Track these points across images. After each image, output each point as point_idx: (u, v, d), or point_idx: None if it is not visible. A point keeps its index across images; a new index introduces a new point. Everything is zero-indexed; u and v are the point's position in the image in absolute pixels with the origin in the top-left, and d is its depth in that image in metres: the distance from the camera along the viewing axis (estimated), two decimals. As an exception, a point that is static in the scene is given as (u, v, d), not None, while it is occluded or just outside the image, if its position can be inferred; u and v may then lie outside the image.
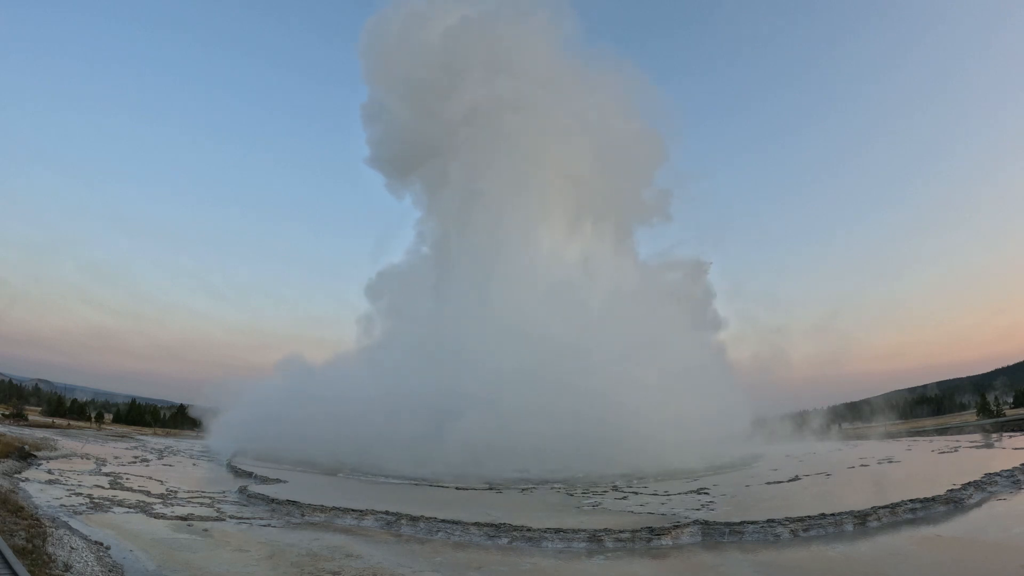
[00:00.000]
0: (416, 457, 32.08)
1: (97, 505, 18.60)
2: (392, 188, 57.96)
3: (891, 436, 53.14)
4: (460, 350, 37.34)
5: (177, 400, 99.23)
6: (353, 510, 18.18)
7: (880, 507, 15.95)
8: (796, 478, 25.21)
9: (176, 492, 22.93)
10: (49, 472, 26.86)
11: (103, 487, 23.22)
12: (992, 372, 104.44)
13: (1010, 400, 71.76)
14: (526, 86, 46.54)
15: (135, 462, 35.39)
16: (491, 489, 26.18)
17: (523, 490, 25.94)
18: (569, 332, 37.12)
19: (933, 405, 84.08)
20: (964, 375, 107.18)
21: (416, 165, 52.20)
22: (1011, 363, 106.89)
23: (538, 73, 47.55)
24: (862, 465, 29.26)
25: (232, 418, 51.88)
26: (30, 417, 67.41)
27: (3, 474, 23.78)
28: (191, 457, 43.22)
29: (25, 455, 31.17)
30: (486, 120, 46.45)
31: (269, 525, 16.87)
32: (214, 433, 55.65)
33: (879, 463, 29.53)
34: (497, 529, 15.38)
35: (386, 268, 56.13)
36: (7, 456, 28.91)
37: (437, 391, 35.23)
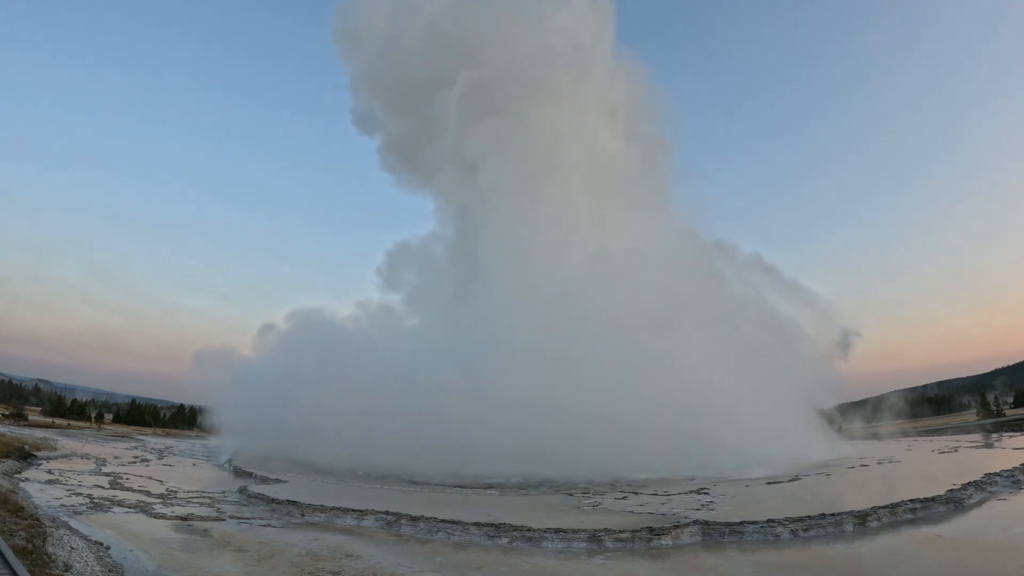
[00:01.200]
0: (416, 457, 31.95)
1: (97, 505, 18.61)
2: (413, 187, 56.13)
3: (891, 436, 53.13)
4: (481, 342, 35.88)
5: (177, 400, 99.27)
6: (353, 510, 18.19)
7: (880, 507, 15.94)
8: (796, 478, 25.21)
9: (176, 492, 22.94)
10: (49, 472, 26.88)
11: (103, 487, 23.24)
12: (992, 372, 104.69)
13: (1010, 400, 71.92)
14: (535, 66, 45.15)
15: (135, 462, 35.42)
16: (491, 489, 26.19)
17: (523, 490, 25.95)
18: (607, 317, 34.81)
19: (933, 405, 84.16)
20: (964, 375, 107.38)
21: (424, 153, 50.74)
22: (1011, 363, 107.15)
23: (542, 55, 46.13)
24: (862, 465, 29.26)
25: (233, 416, 50.96)
26: (30, 417, 67.48)
27: (3, 474, 23.79)
28: (191, 457, 43.25)
29: (25, 455, 31.19)
30: (500, 104, 45.26)
31: (269, 525, 16.88)
32: (217, 431, 54.98)
33: (879, 463, 29.52)
34: (497, 529, 15.38)
35: (399, 247, 53.10)
36: (7, 456, 28.93)
37: (449, 386, 33.70)
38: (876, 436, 53.31)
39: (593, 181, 46.02)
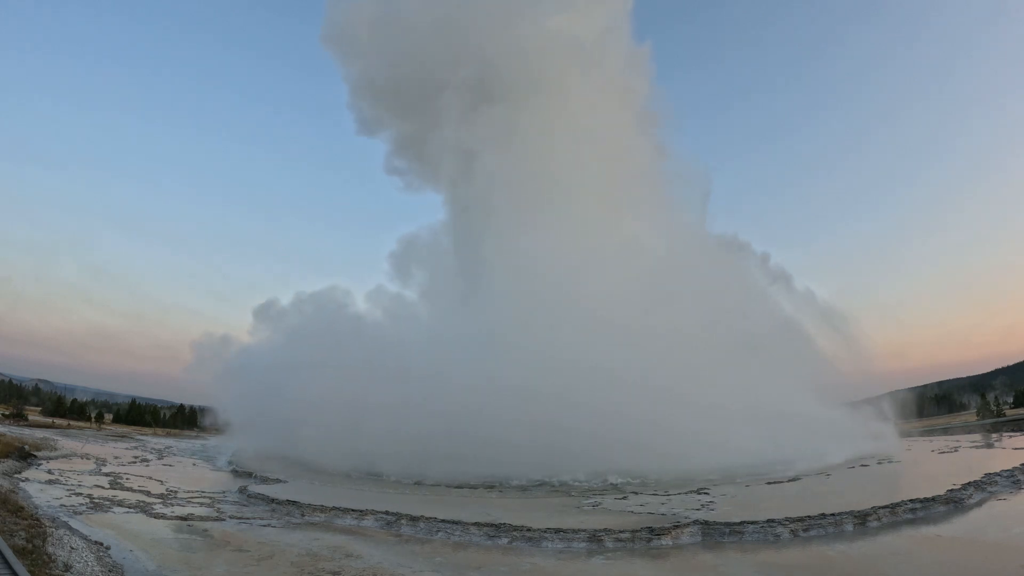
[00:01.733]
0: (416, 457, 31.83)
1: (97, 505, 18.62)
2: (420, 184, 55.39)
3: (905, 434, 52.66)
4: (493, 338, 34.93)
5: (177, 400, 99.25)
6: (353, 510, 18.20)
7: (880, 507, 15.95)
8: (796, 478, 25.20)
9: (176, 492, 22.94)
10: (49, 472, 26.87)
11: (103, 487, 23.24)
12: (992, 372, 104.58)
13: (1010, 400, 71.82)
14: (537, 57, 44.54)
15: (135, 462, 35.42)
16: (491, 489, 26.19)
17: (523, 490, 25.94)
18: (613, 312, 33.90)
19: (933, 405, 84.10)
20: (964, 375, 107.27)
21: (429, 150, 50.03)
22: (1011, 363, 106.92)
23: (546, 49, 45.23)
24: (862, 465, 29.23)
25: (232, 413, 50.38)
26: (30, 417, 67.41)
27: (3, 474, 23.79)
28: (191, 457, 43.23)
29: (25, 455, 31.19)
30: (502, 97, 44.51)
31: (269, 525, 16.89)
32: (216, 430, 54.52)
33: (879, 463, 29.51)
34: (497, 529, 15.40)
35: (407, 241, 51.51)
36: (7, 456, 28.93)
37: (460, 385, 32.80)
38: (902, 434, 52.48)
39: (598, 175, 45.52)
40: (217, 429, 55.31)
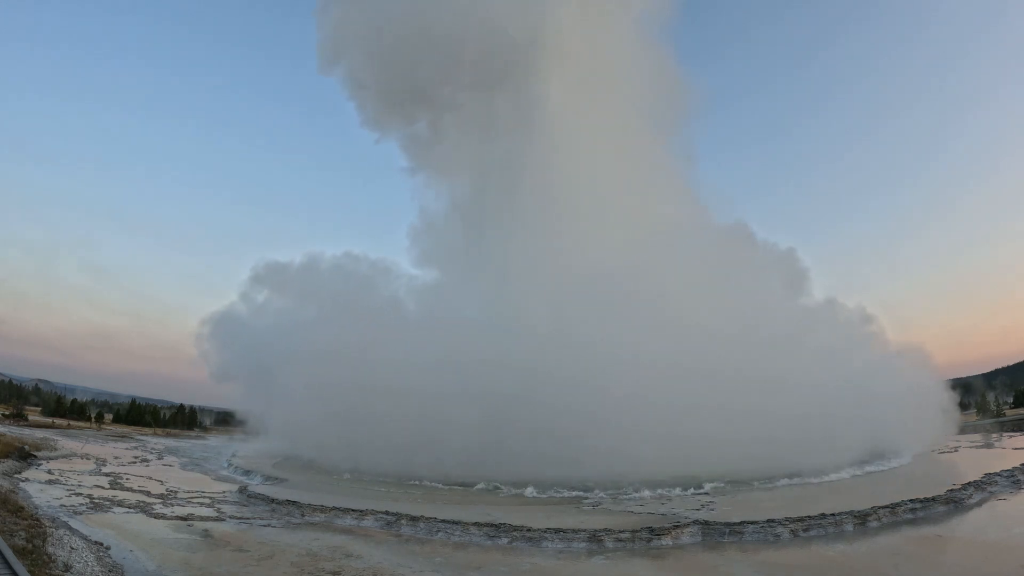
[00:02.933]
0: (418, 457, 31.80)
1: (97, 505, 18.62)
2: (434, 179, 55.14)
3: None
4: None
5: (177, 400, 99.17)
6: (353, 510, 18.20)
7: (880, 507, 15.97)
8: (796, 479, 25.16)
9: (176, 492, 22.93)
10: (49, 472, 26.88)
11: (103, 487, 23.23)
12: (992, 372, 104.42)
13: (1010, 400, 71.75)
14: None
15: (135, 462, 35.42)
16: (491, 489, 26.16)
17: (524, 491, 25.91)
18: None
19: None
20: (964, 375, 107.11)
21: (440, 141, 49.59)
22: (1011, 363, 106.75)
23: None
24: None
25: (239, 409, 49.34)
26: (30, 417, 67.38)
27: (3, 474, 23.79)
28: (191, 457, 43.23)
29: (25, 455, 31.19)
30: (510, 81, 44.14)
31: (269, 525, 16.89)
32: (216, 429, 54.18)
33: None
34: (497, 529, 15.40)
35: (419, 233, 49.17)
36: (7, 456, 28.93)
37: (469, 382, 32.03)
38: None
39: (610, 168, 45.17)
40: (218, 429, 55.22)
